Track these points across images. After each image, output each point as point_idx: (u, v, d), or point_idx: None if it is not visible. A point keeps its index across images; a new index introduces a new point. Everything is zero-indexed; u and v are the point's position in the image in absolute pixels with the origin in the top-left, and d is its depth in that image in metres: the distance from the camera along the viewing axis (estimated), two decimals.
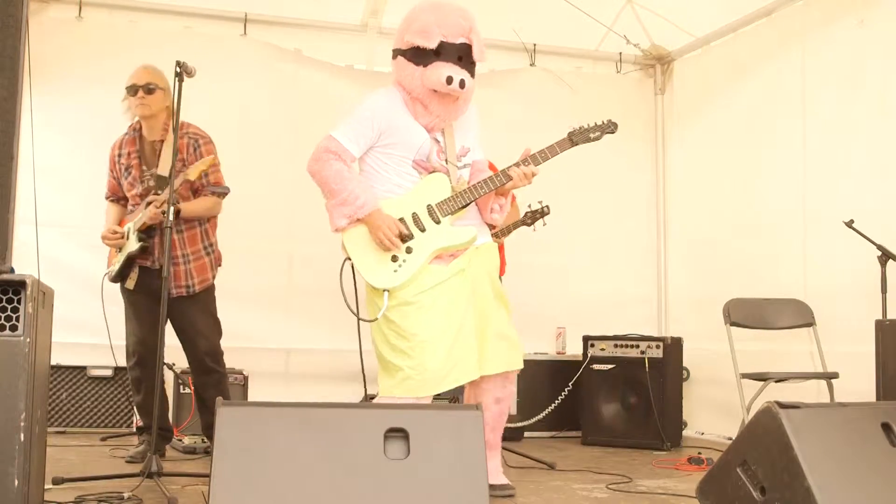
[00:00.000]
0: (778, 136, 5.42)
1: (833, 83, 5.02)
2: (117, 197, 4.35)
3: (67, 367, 5.20)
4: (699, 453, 4.48)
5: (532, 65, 6.28)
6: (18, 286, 2.37)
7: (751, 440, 2.44)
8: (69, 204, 5.30)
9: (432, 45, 3.31)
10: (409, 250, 3.33)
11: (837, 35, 5.00)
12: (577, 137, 3.55)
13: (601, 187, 6.14)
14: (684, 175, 6.34)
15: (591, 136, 3.57)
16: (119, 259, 4.18)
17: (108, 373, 5.24)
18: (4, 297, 2.36)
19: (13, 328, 2.35)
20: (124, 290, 4.24)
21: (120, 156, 4.27)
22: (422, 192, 3.40)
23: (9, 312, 2.36)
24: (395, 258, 3.32)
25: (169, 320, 4.22)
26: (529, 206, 4.66)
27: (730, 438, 4.96)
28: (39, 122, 4.67)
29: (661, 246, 6.47)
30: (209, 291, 4.27)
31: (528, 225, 4.65)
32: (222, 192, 4.23)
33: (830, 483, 2.25)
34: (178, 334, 4.27)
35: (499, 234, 4.65)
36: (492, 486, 3.21)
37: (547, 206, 4.55)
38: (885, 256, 4.27)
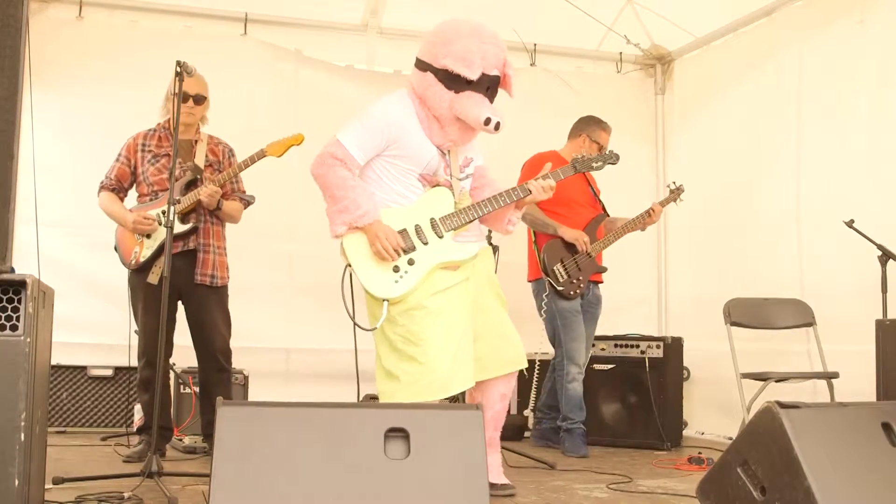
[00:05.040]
0: (778, 135, 5.42)
1: (832, 83, 5.02)
2: (120, 187, 4.29)
3: (67, 367, 5.20)
4: (699, 453, 4.47)
5: (532, 65, 6.28)
6: (18, 286, 2.37)
7: (751, 440, 2.43)
8: (69, 204, 5.29)
9: (474, 76, 3.22)
10: (411, 262, 3.28)
11: (837, 35, 5.00)
12: (580, 165, 3.68)
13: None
14: (684, 175, 6.29)
15: (594, 164, 3.72)
16: (151, 245, 4.11)
17: (108, 373, 5.25)
18: (5, 297, 2.36)
19: (13, 328, 2.35)
20: (143, 285, 4.11)
21: (145, 146, 4.26)
22: (425, 205, 3.36)
23: (9, 312, 2.36)
24: (396, 269, 3.26)
25: (186, 314, 4.25)
26: (668, 185, 5.36)
27: (730, 438, 4.96)
28: (39, 122, 4.67)
29: (661, 246, 6.46)
30: (225, 290, 4.32)
31: (674, 201, 5.23)
32: (248, 201, 4.39)
33: (830, 483, 2.25)
34: (194, 329, 4.25)
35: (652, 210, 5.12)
36: (492, 486, 3.21)
37: (682, 185, 5.22)
38: (886, 256, 4.27)
